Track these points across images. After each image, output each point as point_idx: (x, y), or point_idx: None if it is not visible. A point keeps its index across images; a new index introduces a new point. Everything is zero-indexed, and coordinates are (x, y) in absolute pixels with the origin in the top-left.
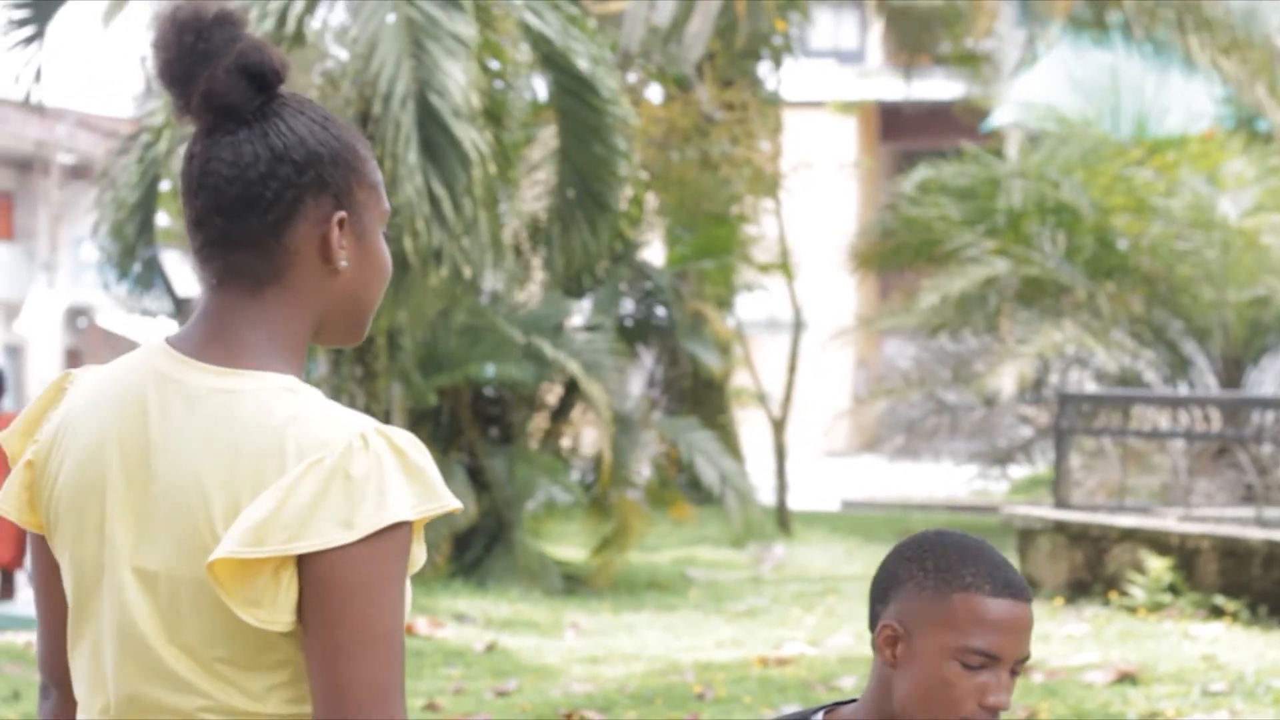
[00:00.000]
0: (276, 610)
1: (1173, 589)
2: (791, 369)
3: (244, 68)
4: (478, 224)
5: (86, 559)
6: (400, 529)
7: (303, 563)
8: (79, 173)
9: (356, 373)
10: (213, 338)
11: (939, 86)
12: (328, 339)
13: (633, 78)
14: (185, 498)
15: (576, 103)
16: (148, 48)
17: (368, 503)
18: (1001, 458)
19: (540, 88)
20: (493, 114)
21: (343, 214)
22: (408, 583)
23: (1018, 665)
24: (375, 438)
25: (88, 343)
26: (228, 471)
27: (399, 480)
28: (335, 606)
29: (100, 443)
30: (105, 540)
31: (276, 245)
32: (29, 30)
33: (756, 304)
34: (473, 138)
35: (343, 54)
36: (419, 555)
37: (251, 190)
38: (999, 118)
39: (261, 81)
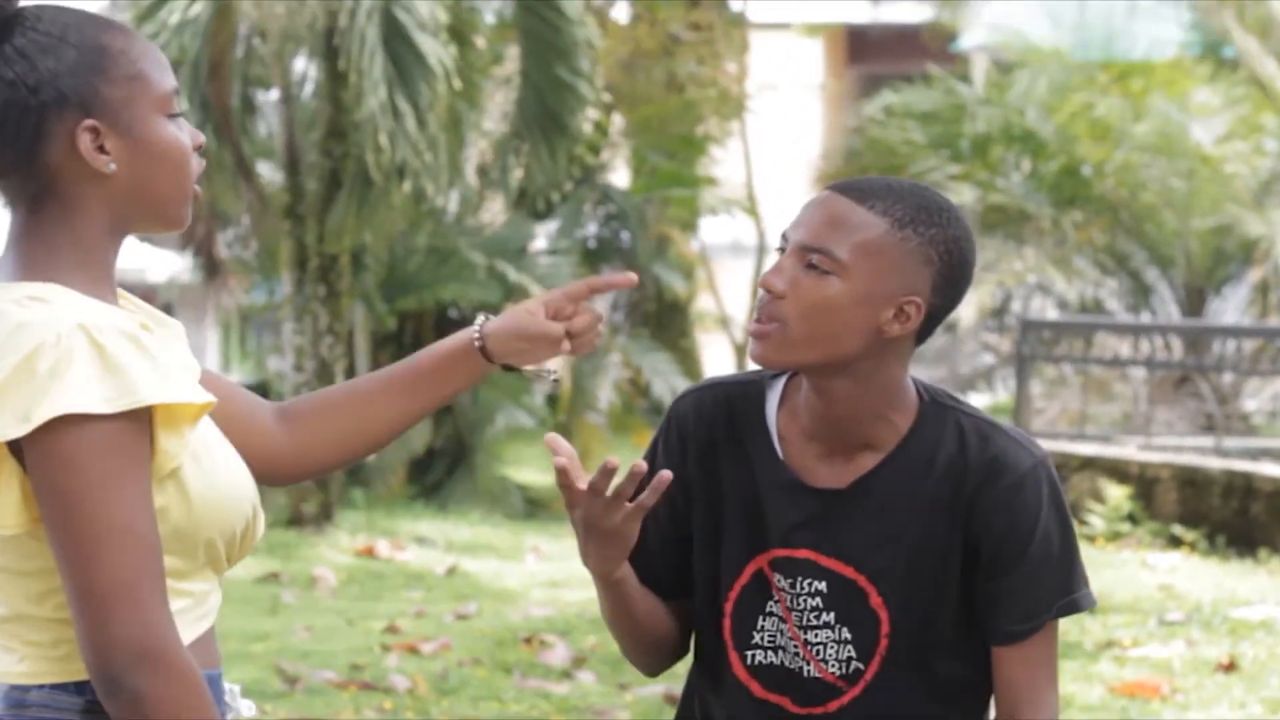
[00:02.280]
0: (2, 515)
1: (1131, 518)
2: (754, 293)
3: None
4: (440, 142)
5: None
6: (95, 422)
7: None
8: None
9: (320, 292)
10: (3, 259)
11: (906, 9)
12: (145, 229)
13: None
14: None
15: (539, 22)
16: None
17: (47, 396)
18: (963, 385)
19: (506, 6)
20: (458, 31)
21: (90, 121)
22: (142, 474)
23: (808, 253)
24: (74, 334)
25: None
26: None
27: (89, 374)
28: (55, 505)
29: None
30: None
31: (36, 167)
32: None
33: (720, 227)
34: (438, 53)
35: None
36: (168, 450)
37: None
38: (966, 41)
39: None
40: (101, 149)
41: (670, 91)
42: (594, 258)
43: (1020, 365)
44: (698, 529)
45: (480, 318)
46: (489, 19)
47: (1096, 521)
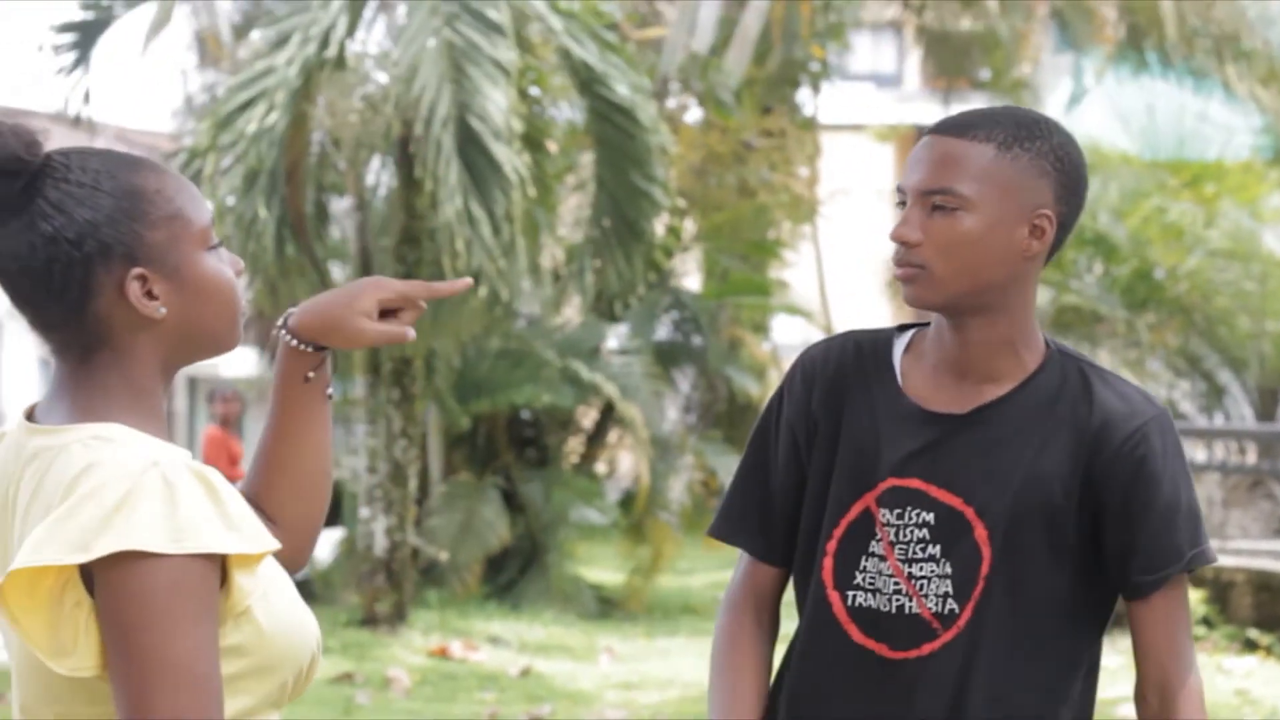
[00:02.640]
0: (79, 655)
1: (1207, 622)
2: None
3: None
4: (516, 247)
5: None
6: (159, 561)
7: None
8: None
9: (394, 395)
10: (53, 402)
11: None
12: (198, 360)
13: (672, 103)
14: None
15: (614, 130)
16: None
17: (111, 530)
18: None
19: (579, 114)
20: (532, 139)
21: (137, 270)
22: (207, 617)
23: (930, 196)
24: (147, 471)
25: None
26: (37, 524)
27: (158, 512)
28: (115, 639)
29: None
30: None
31: (86, 320)
32: (75, 55)
33: (792, 327)
34: (513, 161)
35: (383, 78)
36: (243, 588)
37: (40, 279)
38: None
39: (12, 169)
40: (150, 294)
41: (742, 196)
42: (666, 359)
43: None
44: (813, 471)
45: (281, 319)
46: (564, 124)
47: None
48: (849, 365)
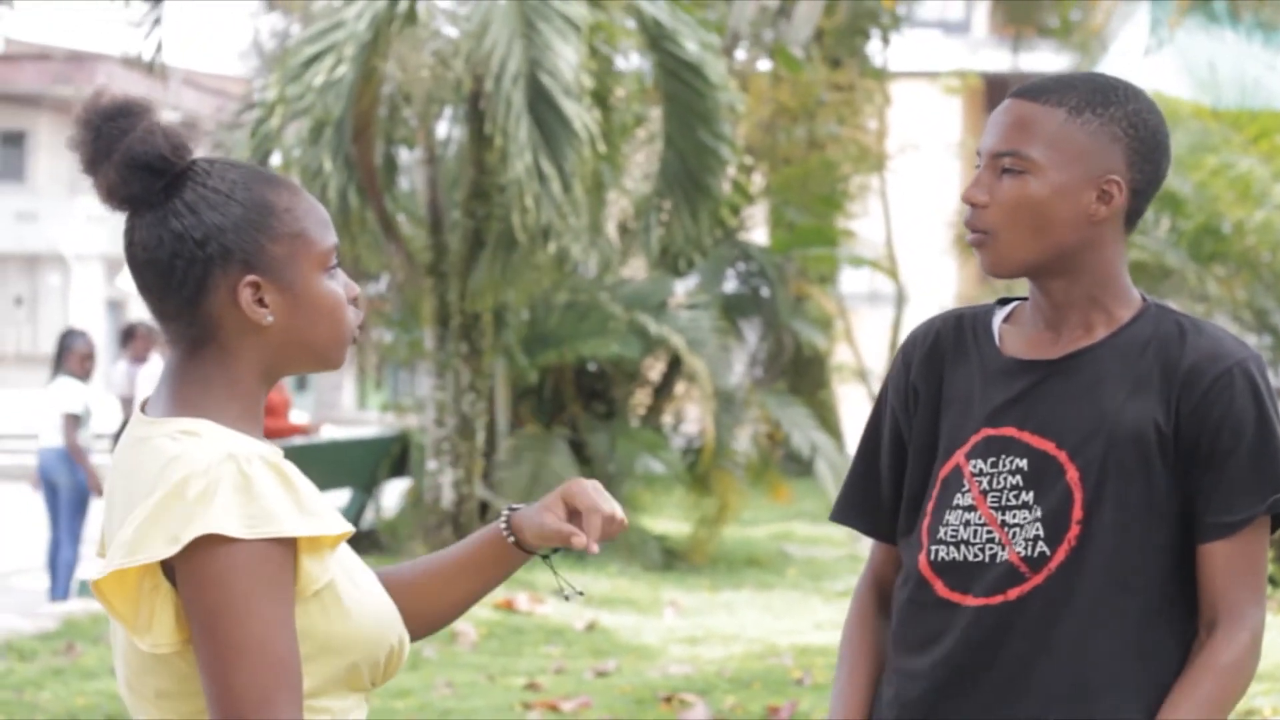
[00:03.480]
0: (155, 634)
1: (1271, 580)
2: (893, 346)
3: (130, 161)
4: (584, 203)
5: None
6: (236, 545)
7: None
8: (184, 130)
9: (462, 349)
10: (160, 392)
11: (1045, 59)
12: (299, 370)
13: (741, 56)
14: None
15: (682, 87)
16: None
17: (194, 518)
18: None
19: (648, 68)
20: (601, 95)
21: (252, 277)
22: (283, 599)
23: (1000, 159)
24: (224, 463)
25: None
26: (127, 511)
27: (232, 499)
28: (199, 620)
29: None
30: None
31: (199, 315)
32: (148, 3)
33: (859, 278)
34: (582, 117)
35: (454, 33)
36: (311, 574)
37: (163, 271)
38: None
39: (157, 168)
40: (261, 302)
41: (811, 150)
42: (733, 312)
43: None
44: (917, 440)
45: (505, 510)
46: (633, 80)
47: None
48: (948, 336)
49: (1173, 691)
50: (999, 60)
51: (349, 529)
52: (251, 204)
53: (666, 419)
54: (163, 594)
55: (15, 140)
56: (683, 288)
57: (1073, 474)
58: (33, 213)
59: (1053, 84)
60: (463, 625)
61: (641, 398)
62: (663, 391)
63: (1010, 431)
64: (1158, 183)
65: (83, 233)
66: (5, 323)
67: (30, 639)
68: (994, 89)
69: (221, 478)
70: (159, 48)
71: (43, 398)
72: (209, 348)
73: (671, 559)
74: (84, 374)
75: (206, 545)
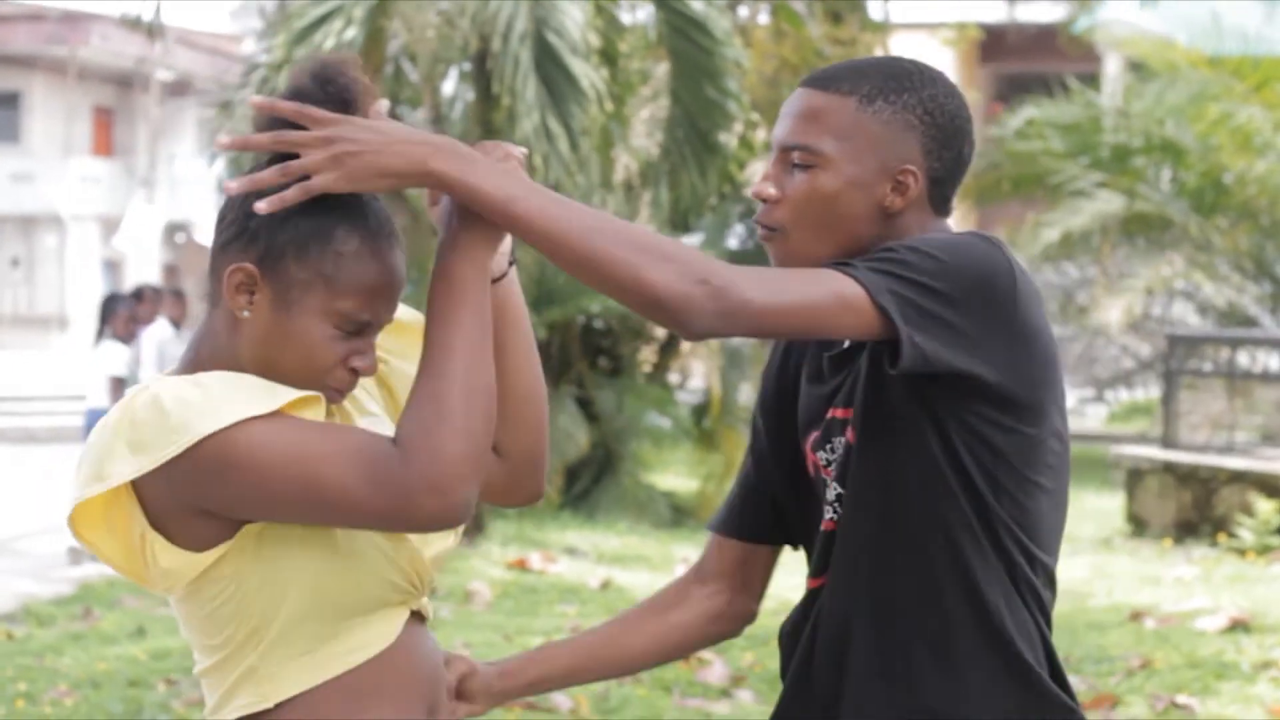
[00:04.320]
0: (164, 576)
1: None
2: None
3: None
4: (592, 161)
5: None
6: (209, 440)
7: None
8: (178, 89)
9: None
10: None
11: (1043, 9)
12: (262, 375)
13: (744, 11)
14: None
15: (688, 43)
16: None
17: (187, 427)
18: (1102, 388)
19: (653, 27)
20: (607, 53)
21: (248, 266)
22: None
23: (790, 153)
24: (143, 392)
25: (186, 258)
26: None
27: (232, 389)
28: (262, 499)
29: None
30: None
31: (212, 273)
32: None
33: None
34: (589, 76)
35: None
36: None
37: (219, 227)
38: (1102, 41)
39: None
40: (250, 295)
41: None
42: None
43: (1168, 379)
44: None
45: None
46: (639, 37)
47: (1246, 535)
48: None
49: None
50: (996, 11)
51: (317, 395)
52: (318, 228)
53: (673, 375)
54: (150, 539)
55: (10, 101)
56: (688, 243)
57: (850, 430)
58: (28, 173)
59: (844, 72)
60: (477, 585)
61: (648, 354)
62: (669, 348)
63: (839, 413)
64: (962, 167)
65: (78, 193)
66: (2, 284)
67: (47, 604)
68: (992, 40)
69: (200, 382)
70: (157, 10)
71: (89, 360)
72: (216, 309)
73: (680, 515)
74: (128, 336)
75: (229, 434)
